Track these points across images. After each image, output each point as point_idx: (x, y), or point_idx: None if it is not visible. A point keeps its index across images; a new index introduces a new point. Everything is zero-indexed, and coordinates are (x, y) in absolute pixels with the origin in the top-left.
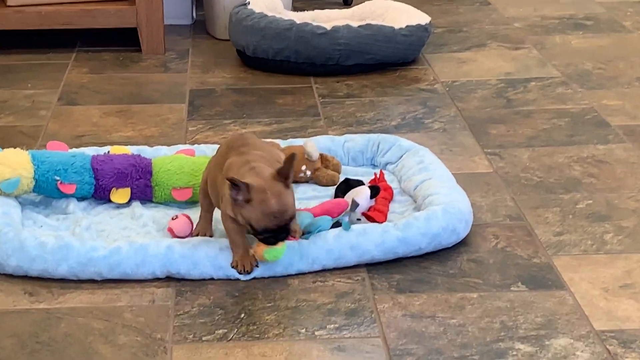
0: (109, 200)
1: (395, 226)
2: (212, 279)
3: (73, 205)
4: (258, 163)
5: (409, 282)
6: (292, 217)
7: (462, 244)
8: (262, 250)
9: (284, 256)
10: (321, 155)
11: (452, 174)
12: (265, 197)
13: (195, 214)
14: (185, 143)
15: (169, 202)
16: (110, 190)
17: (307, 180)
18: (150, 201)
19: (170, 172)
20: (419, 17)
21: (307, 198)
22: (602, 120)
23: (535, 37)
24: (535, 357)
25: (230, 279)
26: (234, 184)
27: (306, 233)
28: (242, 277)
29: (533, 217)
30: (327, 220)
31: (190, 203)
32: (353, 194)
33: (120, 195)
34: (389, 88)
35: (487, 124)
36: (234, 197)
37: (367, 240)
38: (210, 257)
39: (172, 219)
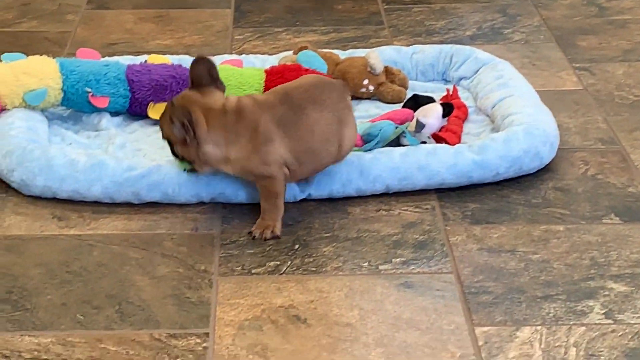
0: (146, 116)
1: (470, 148)
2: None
3: (106, 120)
4: None
5: (485, 211)
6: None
7: (546, 170)
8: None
9: (341, 173)
10: (386, 68)
11: (536, 91)
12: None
13: None
14: (231, 53)
15: None
16: (147, 105)
17: (369, 97)
18: None
19: None
20: None
21: (370, 116)
22: None
23: None
24: (630, 298)
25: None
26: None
27: (365, 143)
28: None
29: (628, 141)
30: (389, 123)
31: None
32: (422, 113)
33: (158, 110)
34: None
35: (575, 35)
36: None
37: (438, 160)
38: None
39: None
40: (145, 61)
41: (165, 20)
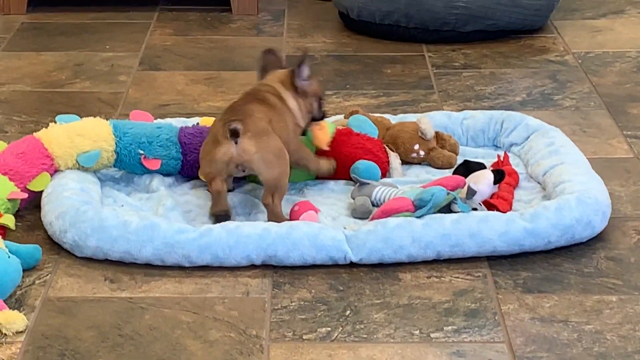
0: (197, 178)
1: (521, 216)
2: (314, 265)
3: (157, 182)
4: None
5: (537, 280)
6: None
7: (599, 238)
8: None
9: (393, 238)
10: (436, 134)
11: (587, 158)
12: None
13: (298, 197)
14: None
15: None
16: (198, 168)
17: (420, 162)
18: (243, 179)
19: None
20: None
21: (421, 181)
22: None
23: None
24: None
25: (334, 266)
26: (300, 64)
27: (417, 209)
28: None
29: None
30: (441, 189)
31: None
32: (473, 179)
33: None
34: (512, 59)
35: (626, 102)
36: (303, 77)
37: (489, 228)
38: (311, 236)
39: (294, 209)
40: (198, 123)
41: (216, 82)
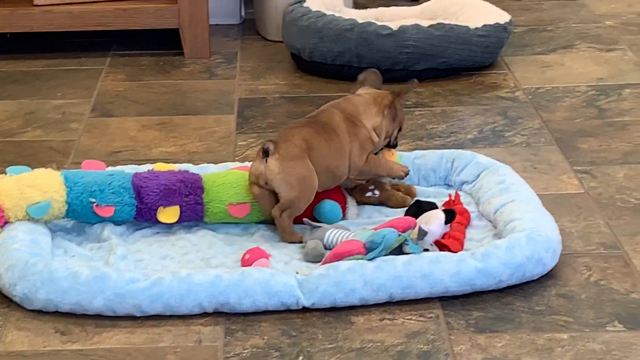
0: (155, 222)
1: (472, 255)
2: (266, 311)
3: (108, 230)
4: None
5: (489, 320)
6: None
7: (549, 276)
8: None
9: (345, 282)
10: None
11: (537, 195)
12: None
13: (250, 242)
14: (234, 160)
15: (215, 229)
16: (156, 210)
17: (375, 202)
18: (201, 221)
19: (226, 186)
20: (498, 15)
21: (373, 223)
22: None
23: (630, 37)
24: None
25: (287, 312)
26: (404, 91)
27: (368, 251)
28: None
29: (631, 246)
30: (392, 231)
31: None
32: (425, 219)
33: (168, 214)
34: (463, 96)
35: (576, 138)
36: (397, 106)
37: (441, 268)
38: (263, 282)
39: (245, 258)
40: (151, 170)
41: (169, 127)
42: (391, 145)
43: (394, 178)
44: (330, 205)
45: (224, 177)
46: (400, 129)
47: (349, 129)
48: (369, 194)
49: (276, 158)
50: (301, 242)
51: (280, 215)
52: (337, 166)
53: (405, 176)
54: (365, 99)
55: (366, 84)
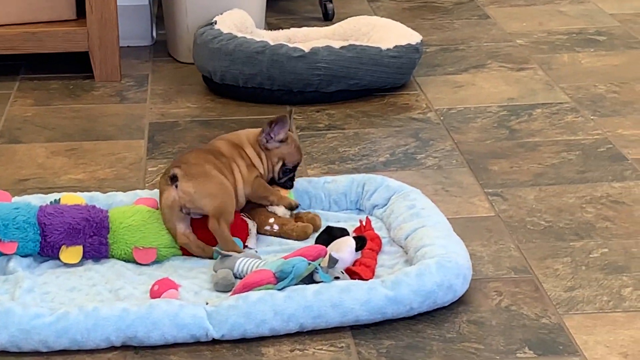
0: (57, 258)
1: (383, 283)
2: (175, 344)
3: (14, 263)
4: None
5: (400, 348)
6: None
7: (460, 302)
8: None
9: (255, 312)
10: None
11: (449, 218)
12: (292, 136)
13: (159, 271)
14: (144, 186)
15: (128, 260)
16: (59, 248)
17: (273, 235)
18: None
19: (132, 228)
20: (409, 36)
21: (284, 250)
22: (617, 153)
23: (541, 56)
24: None
25: (196, 344)
26: (273, 124)
27: (278, 281)
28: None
29: (541, 269)
30: (302, 260)
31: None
32: (335, 247)
33: (70, 254)
34: (376, 118)
35: (487, 159)
36: (274, 138)
37: (351, 297)
38: (171, 315)
39: (154, 289)
40: (58, 200)
41: (78, 153)
42: (279, 183)
43: (284, 206)
44: None
45: (131, 218)
46: (285, 165)
47: (232, 152)
48: (267, 227)
49: (186, 179)
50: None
51: (219, 226)
52: (231, 181)
53: (295, 207)
54: (248, 132)
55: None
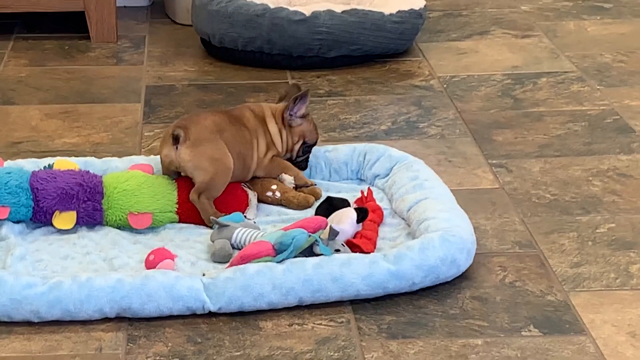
0: (50, 224)
1: (385, 257)
2: (170, 316)
3: (6, 229)
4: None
5: (402, 324)
6: None
7: (464, 277)
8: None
9: (253, 285)
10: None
11: (452, 190)
12: (309, 115)
13: (155, 240)
14: (140, 152)
15: (122, 226)
16: (52, 214)
17: (275, 203)
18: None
19: (127, 193)
20: (412, 1)
21: (283, 220)
22: (624, 125)
23: (546, 23)
24: None
25: (192, 316)
26: (297, 99)
27: (277, 253)
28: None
29: (546, 244)
30: (302, 232)
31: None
32: (336, 218)
33: (64, 220)
34: (377, 84)
35: (491, 129)
36: (296, 113)
37: (352, 271)
38: (167, 286)
39: (150, 259)
40: (51, 165)
41: (73, 116)
42: (295, 162)
43: (297, 184)
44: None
45: (126, 182)
46: (305, 144)
47: (256, 125)
48: (269, 193)
49: (187, 145)
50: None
51: (199, 198)
52: (246, 155)
53: (309, 186)
54: (271, 106)
55: (287, 99)
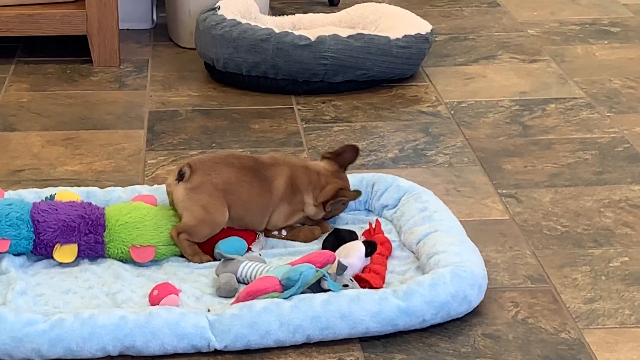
0: (51, 257)
1: (394, 293)
2: (175, 354)
3: (7, 262)
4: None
5: None
6: None
7: (475, 313)
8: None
9: (260, 323)
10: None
11: (461, 221)
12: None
13: (159, 273)
14: (144, 180)
15: (124, 259)
16: (53, 246)
17: (281, 239)
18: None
19: (129, 226)
20: (419, 25)
21: (289, 253)
22: (635, 153)
23: (553, 47)
24: None
25: (197, 354)
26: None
27: (285, 289)
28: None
29: (559, 279)
30: (310, 267)
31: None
32: (344, 252)
33: (64, 253)
34: (384, 110)
35: (500, 157)
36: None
37: (361, 308)
38: (171, 324)
39: (154, 294)
40: (52, 197)
41: (75, 143)
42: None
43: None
44: (225, 244)
45: (128, 214)
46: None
47: (286, 194)
48: (275, 232)
49: (185, 187)
50: (208, 261)
51: (178, 237)
52: (252, 220)
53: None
54: (315, 178)
55: (340, 161)
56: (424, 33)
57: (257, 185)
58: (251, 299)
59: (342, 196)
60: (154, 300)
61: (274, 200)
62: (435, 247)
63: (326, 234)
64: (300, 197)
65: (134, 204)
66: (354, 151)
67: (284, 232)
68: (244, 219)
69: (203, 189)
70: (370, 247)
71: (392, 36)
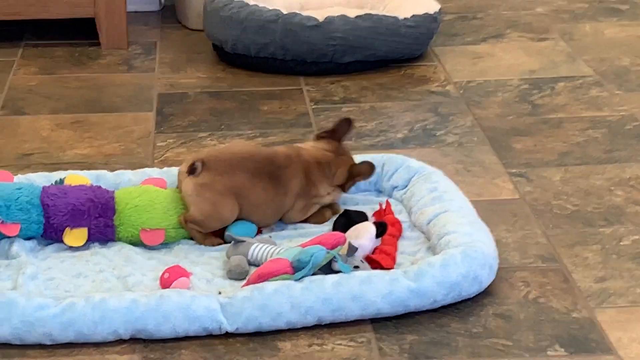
0: (61, 241)
1: (405, 274)
2: (186, 337)
3: (17, 246)
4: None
5: (424, 344)
6: None
7: (486, 293)
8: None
9: (271, 305)
10: None
11: (471, 201)
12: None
13: (169, 256)
14: (153, 162)
15: (135, 243)
16: (63, 230)
17: None
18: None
19: (139, 209)
20: (427, 5)
21: (299, 234)
22: None
23: (562, 25)
24: None
25: (208, 337)
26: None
27: (296, 271)
28: None
29: (569, 258)
30: (320, 249)
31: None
32: (354, 233)
33: (74, 236)
34: (392, 90)
35: (509, 136)
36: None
37: (372, 289)
38: (183, 307)
39: (164, 277)
40: (62, 180)
41: (84, 126)
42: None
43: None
44: (235, 227)
45: (138, 198)
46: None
47: (302, 191)
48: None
49: (195, 182)
50: (220, 244)
51: (187, 225)
52: (264, 220)
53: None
54: (324, 167)
55: (337, 135)
56: (432, 12)
57: (272, 189)
58: (262, 281)
59: (357, 174)
60: (165, 283)
61: (289, 202)
62: (445, 227)
63: (336, 216)
64: (315, 191)
65: (143, 187)
66: (347, 123)
67: None
68: (256, 218)
69: (213, 186)
70: (381, 228)
71: (401, 16)
